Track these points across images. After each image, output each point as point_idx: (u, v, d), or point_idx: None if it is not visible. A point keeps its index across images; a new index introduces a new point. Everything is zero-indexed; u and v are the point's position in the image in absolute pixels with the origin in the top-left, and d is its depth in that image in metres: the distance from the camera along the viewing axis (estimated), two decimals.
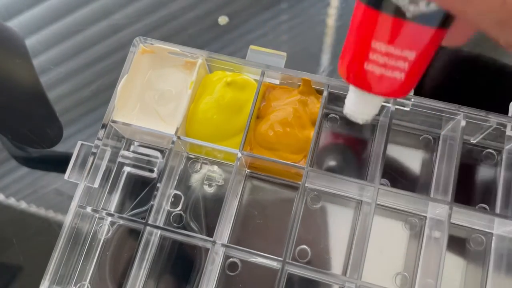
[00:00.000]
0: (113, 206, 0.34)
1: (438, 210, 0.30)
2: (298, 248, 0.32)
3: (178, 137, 0.31)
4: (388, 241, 0.32)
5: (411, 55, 0.17)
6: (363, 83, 0.18)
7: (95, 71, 0.39)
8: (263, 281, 0.31)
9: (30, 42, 0.39)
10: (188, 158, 0.35)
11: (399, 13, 0.16)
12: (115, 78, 0.32)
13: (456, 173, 0.29)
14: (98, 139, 0.31)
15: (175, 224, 0.33)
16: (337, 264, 0.32)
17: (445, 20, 0.16)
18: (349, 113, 0.21)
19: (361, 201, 0.33)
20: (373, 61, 0.17)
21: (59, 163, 0.36)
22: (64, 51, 0.39)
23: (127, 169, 0.34)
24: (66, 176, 0.31)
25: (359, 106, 0.20)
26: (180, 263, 0.32)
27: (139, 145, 0.35)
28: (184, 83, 0.33)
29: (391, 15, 0.16)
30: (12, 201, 0.35)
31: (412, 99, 0.30)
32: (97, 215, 0.32)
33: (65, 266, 0.30)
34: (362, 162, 0.34)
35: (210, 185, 0.34)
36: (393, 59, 0.17)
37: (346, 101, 0.21)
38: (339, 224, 0.32)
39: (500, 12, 0.13)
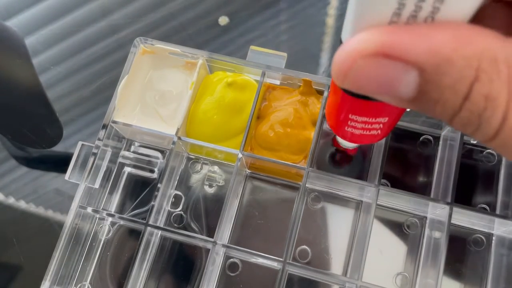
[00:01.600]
0: (113, 206, 0.34)
1: (438, 210, 0.30)
2: (299, 248, 0.32)
3: (179, 138, 0.31)
4: (388, 241, 0.32)
5: (384, 120, 0.19)
6: (346, 138, 0.21)
7: (95, 71, 0.39)
8: (263, 282, 0.31)
9: (29, 41, 0.39)
10: (189, 159, 0.35)
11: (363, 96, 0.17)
12: (115, 78, 0.32)
13: (456, 173, 0.29)
14: (99, 139, 0.31)
15: (175, 225, 0.33)
16: (337, 264, 0.32)
17: None
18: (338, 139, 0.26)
19: (361, 201, 0.33)
20: (352, 126, 0.20)
21: (59, 163, 0.36)
22: (64, 50, 0.39)
23: (127, 169, 0.34)
24: (66, 176, 0.31)
25: (345, 143, 0.26)
26: (181, 264, 0.32)
27: (140, 146, 0.35)
28: (185, 84, 0.33)
29: (362, 99, 0.18)
30: (12, 201, 0.35)
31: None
32: (97, 216, 0.32)
33: (66, 267, 0.30)
34: (363, 162, 0.34)
35: (210, 186, 0.34)
36: (369, 124, 0.20)
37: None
38: (339, 224, 0.32)
39: (463, 113, 0.13)
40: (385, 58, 0.13)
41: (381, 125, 0.20)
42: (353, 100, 0.18)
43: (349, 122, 0.20)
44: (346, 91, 0.17)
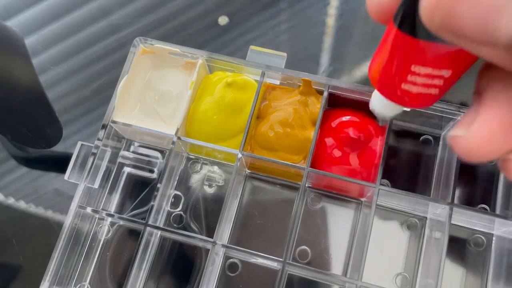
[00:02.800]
0: (113, 206, 0.34)
1: (438, 210, 0.30)
2: (298, 248, 0.32)
3: (178, 138, 0.31)
4: (388, 241, 0.32)
5: (448, 73, 0.17)
6: (398, 99, 0.19)
7: (94, 71, 0.39)
8: (263, 282, 0.31)
9: (29, 41, 0.39)
10: (188, 159, 0.35)
11: (437, 38, 0.15)
12: (115, 78, 0.32)
13: (456, 173, 0.29)
14: (98, 139, 0.31)
15: (175, 225, 0.33)
16: (337, 264, 0.32)
17: None
18: (376, 110, 0.22)
19: (361, 201, 0.33)
20: (411, 82, 0.17)
21: (59, 163, 0.36)
22: (64, 50, 0.39)
23: (127, 169, 0.34)
24: (66, 176, 0.31)
25: (384, 110, 0.21)
26: (180, 264, 0.32)
27: (139, 146, 0.35)
28: (184, 84, 0.33)
29: (430, 41, 0.16)
30: (11, 201, 0.35)
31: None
32: (97, 216, 0.32)
33: (65, 267, 0.30)
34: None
35: (210, 186, 0.34)
36: (431, 78, 0.17)
37: (373, 97, 0.21)
38: (339, 224, 0.32)
39: None
40: None
41: (442, 81, 0.17)
42: (421, 48, 0.16)
43: (409, 77, 0.17)
44: (413, 34, 0.15)
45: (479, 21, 0.12)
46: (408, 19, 0.15)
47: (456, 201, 0.29)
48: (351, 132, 0.30)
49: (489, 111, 0.16)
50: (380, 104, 0.21)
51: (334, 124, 0.31)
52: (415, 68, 0.17)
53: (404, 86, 0.18)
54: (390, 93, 0.18)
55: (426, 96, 0.18)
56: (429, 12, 0.13)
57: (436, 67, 0.17)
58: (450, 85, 0.18)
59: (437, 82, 0.17)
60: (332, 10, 0.39)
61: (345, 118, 0.31)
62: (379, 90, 0.19)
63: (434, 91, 0.18)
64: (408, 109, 0.22)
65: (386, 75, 0.18)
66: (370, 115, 0.32)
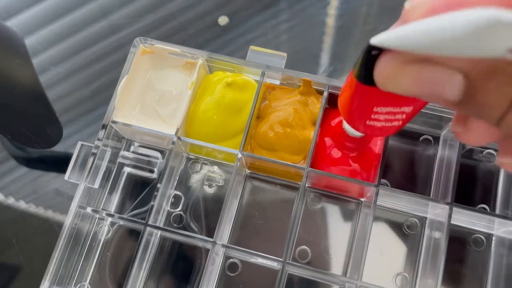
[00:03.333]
0: (113, 206, 0.34)
1: (438, 210, 0.30)
2: (298, 248, 0.32)
3: (178, 138, 0.31)
4: (388, 241, 0.32)
5: (409, 109, 0.19)
6: (364, 131, 0.20)
7: (94, 71, 0.39)
8: (263, 282, 0.31)
9: (29, 42, 0.39)
10: (188, 159, 0.35)
11: None
12: (115, 78, 0.32)
13: (456, 173, 0.29)
14: (98, 139, 0.31)
15: (175, 225, 0.33)
16: (337, 264, 0.32)
17: None
18: (346, 128, 0.27)
19: (361, 201, 0.33)
20: (375, 119, 0.19)
21: (59, 163, 0.36)
22: (64, 50, 0.39)
23: (127, 169, 0.34)
24: (66, 176, 0.31)
25: (354, 132, 0.26)
26: (180, 264, 0.32)
27: (139, 146, 0.35)
28: (185, 84, 0.33)
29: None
30: (12, 201, 0.35)
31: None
32: (97, 216, 0.32)
33: (65, 267, 0.30)
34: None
35: (210, 186, 0.34)
36: (393, 115, 0.19)
37: (344, 123, 0.26)
38: (339, 224, 0.32)
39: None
40: (429, 63, 0.13)
41: (404, 116, 0.19)
42: (381, 93, 0.17)
43: (372, 116, 0.19)
44: (372, 84, 0.17)
45: (426, 92, 0.14)
46: (366, 72, 0.16)
47: (456, 201, 0.29)
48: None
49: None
50: (349, 128, 0.25)
51: (333, 123, 0.31)
52: (377, 109, 0.18)
53: (369, 123, 0.19)
54: (357, 127, 0.20)
55: (389, 128, 0.20)
56: (382, 83, 0.15)
57: (397, 105, 0.18)
58: (413, 115, 0.20)
59: (399, 116, 0.19)
60: (332, 10, 0.39)
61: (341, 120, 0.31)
62: (347, 122, 0.21)
63: (397, 123, 0.20)
64: None
65: (351, 114, 0.20)
66: None
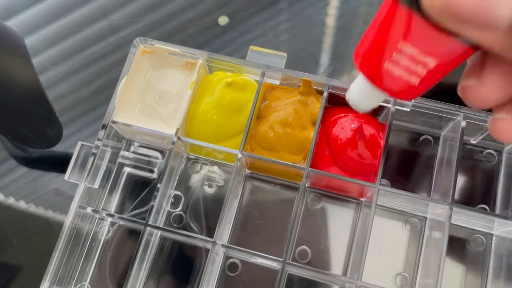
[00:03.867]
0: (113, 206, 0.34)
1: (438, 210, 0.30)
2: (298, 248, 0.32)
3: (178, 138, 0.31)
4: (388, 241, 0.32)
5: (432, 62, 0.17)
6: (377, 79, 0.18)
7: (94, 71, 0.39)
8: (263, 282, 0.31)
9: (29, 41, 0.39)
10: (188, 159, 0.35)
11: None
12: (115, 78, 0.32)
13: (456, 173, 0.29)
14: (98, 139, 0.31)
15: (175, 225, 0.33)
16: (337, 264, 0.32)
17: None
18: (351, 100, 0.21)
19: (361, 201, 0.33)
20: (395, 61, 0.17)
21: (59, 163, 0.36)
22: (64, 50, 0.39)
23: (127, 169, 0.34)
24: (66, 176, 0.31)
25: (364, 97, 0.21)
26: (180, 264, 0.32)
27: (139, 146, 0.35)
28: (184, 84, 0.33)
29: (426, 20, 0.16)
30: (12, 201, 0.35)
31: (412, 100, 0.30)
32: (97, 216, 0.32)
33: (65, 267, 0.30)
34: None
35: (210, 186, 0.34)
36: (414, 63, 0.17)
37: (352, 86, 0.21)
38: (339, 224, 0.32)
39: None
40: None
41: (425, 71, 0.17)
42: (416, 21, 0.16)
43: (394, 54, 0.17)
44: (412, 6, 0.15)
45: (478, 5, 0.12)
46: None
47: (456, 201, 0.29)
48: (348, 129, 0.30)
49: (495, 63, 0.16)
50: (358, 93, 0.21)
51: (332, 119, 0.32)
52: (402, 45, 0.17)
53: (387, 65, 0.18)
54: (371, 72, 0.18)
55: (405, 84, 0.18)
56: None
57: (423, 51, 0.17)
58: (431, 81, 0.18)
59: (419, 69, 0.17)
60: (332, 10, 0.39)
61: (341, 115, 0.31)
62: (360, 67, 0.19)
63: (414, 80, 0.18)
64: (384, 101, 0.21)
65: (372, 50, 0.18)
66: (369, 114, 0.32)
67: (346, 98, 0.22)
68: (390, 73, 0.18)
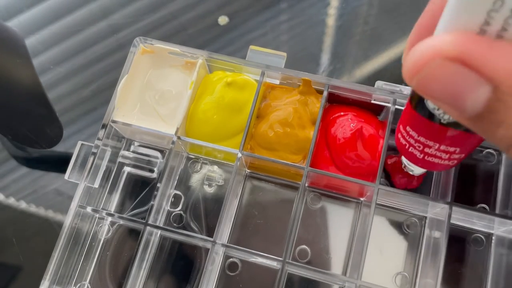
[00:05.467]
0: (113, 206, 0.34)
1: (438, 210, 0.30)
2: (298, 248, 0.32)
3: (178, 137, 0.31)
4: (388, 241, 0.32)
5: (457, 150, 0.20)
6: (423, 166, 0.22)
7: (95, 71, 0.39)
8: (263, 281, 0.31)
9: (30, 42, 0.39)
10: (188, 158, 0.35)
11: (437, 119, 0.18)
12: (115, 78, 0.32)
13: (456, 173, 0.29)
14: (98, 139, 0.31)
15: (175, 224, 0.33)
16: (337, 264, 0.32)
17: None
18: (406, 164, 0.27)
19: (361, 201, 0.33)
20: (412, 145, 0.21)
21: (59, 163, 0.36)
22: (64, 51, 0.39)
23: (127, 169, 0.34)
24: (66, 176, 0.31)
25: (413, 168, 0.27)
26: (180, 263, 0.32)
27: (139, 145, 0.35)
28: (184, 83, 0.33)
29: (424, 116, 0.19)
30: (12, 201, 0.35)
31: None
32: (97, 215, 0.32)
33: (65, 266, 0.30)
34: None
35: (210, 185, 0.34)
36: (447, 153, 0.20)
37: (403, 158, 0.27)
38: (339, 224, 0.32)
39: None
40: (463, 65, 0.13)
41: (457, 156, 0.20)
42: (415, 115, 0.19)
43: (411, 141, 0.21)
44: (413, 104, 0.18)
45: (448, 97, 0.14)
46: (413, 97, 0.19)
47: (455, 200, 0.29)
48: (347, 129, 0.30)
49: None
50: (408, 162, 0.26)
51: (331, 118, 0.32)
52: (412, 132, 0.20)
53: (427, 158, 0.21)
54: (415, 163, 0.22)
55: (443, 165, 0.21)
56: (408, 76, 0.14)
57: (429, 138, 0.20)
58: (461, 159, 0.21)
59: (454, 156, 0.20)
60: (332, 10, 0.39)
61: (340, 114, 0.32)
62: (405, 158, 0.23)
63: (451, 163, 0.21)
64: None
65: (412, 152, 0.21)
66: (369, 113, 0.32)
67: (402, 161, 0.27)
68: (431, 162, 0.21)
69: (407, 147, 0.21)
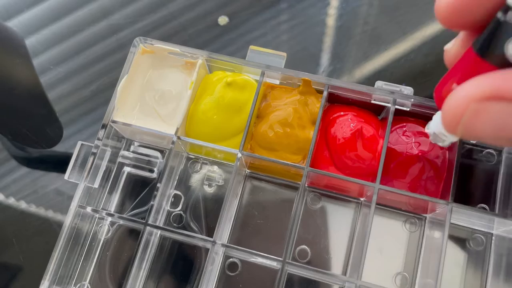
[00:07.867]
0: (113, 206, 0.34)
1: (438, 210, 0.30)
2: (298, 248, 0.32)
3: (178, 137, 0.31)
4: (388, 241, 0.32)
5: None
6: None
7: (95, 71, 0.39)
8: (263, 281, 0.31)
9: (30, 42, 0.39)
10: (188, 158, 0.35)
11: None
12: (115, 78, 0.32)
13: (456, 173, 0.29)
14: (98, 139, 0.31)
15: (175, 224, 0.33)
16: (337, 264, 0.32)
17: None
18: (430, 133, 0.24)
19: (361, 201, 0.33)
20: None
21: (59, 163, 0.36)
22: (64, 51, 0.39)
23: (127, 169, 0.34)
24: (66, 176, 0.31)
25: (441, 131, 0.23)
26: (180, 263, 0.32)
27: (139, 145, 0.35)
28: (184, 83, 0.33)
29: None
30: (12, 201, 0.35)
31: (412, 99, 0.30)
32: (97, 215, 0.32)
33: (65, 266, 0.30)
34: None
35: (210, 185, 0.34)
36: None
37: (432, 120, 0.24)
38: (339, 224, 0.32)
39: None
40: (499, 100, 0.13)
41: None
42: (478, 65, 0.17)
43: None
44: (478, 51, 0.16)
45: (492, 135, 0.14)
46: (485, 42, 0.16)
47: (455, 200, 0.29)
48: (347, 129, 0.30)
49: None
50: (436, 127, 0.23)
51: (331, 118, 0.32)
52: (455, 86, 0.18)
53: None
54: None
55: None
56: (451, 127, 0.15)
57: None
58: None
59: None
60: (332, 10, 0.39)
61: (340, 114, 0.32)
62: (436, 102, 0.20)
63: None
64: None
65: (441, 87, 0.19)
66: (369, 113, 0.32)
67: (426, 130, 0.24)
68: None
69: None
